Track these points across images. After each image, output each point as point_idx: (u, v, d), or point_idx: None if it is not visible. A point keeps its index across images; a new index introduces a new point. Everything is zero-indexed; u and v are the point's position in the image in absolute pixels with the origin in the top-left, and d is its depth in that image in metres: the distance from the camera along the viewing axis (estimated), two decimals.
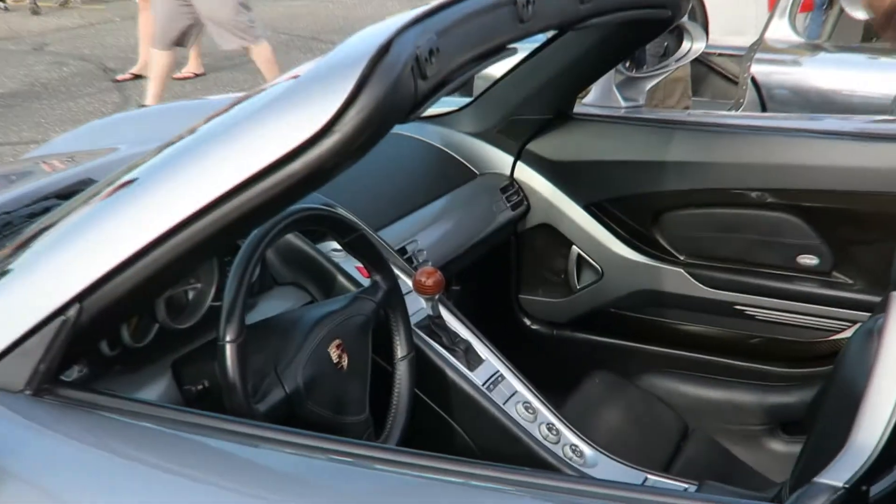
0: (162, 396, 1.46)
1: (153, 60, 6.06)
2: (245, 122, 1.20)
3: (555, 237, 2.53)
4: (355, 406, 1.58)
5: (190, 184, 1.19)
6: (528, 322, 2.63)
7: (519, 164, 2.50)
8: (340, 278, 1.81)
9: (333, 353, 1.53)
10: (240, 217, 1.18)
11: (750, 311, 2.34)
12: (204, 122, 1.28)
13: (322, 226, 1.62)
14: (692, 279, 2.37)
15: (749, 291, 2.32)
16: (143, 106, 6.04)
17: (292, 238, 1.80)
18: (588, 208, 2.46)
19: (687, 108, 3.65)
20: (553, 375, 2.40)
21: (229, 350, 1.35)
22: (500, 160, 2.51)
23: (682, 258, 2.41)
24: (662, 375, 2.44)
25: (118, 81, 7.42)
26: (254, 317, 1.62)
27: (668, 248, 2.41)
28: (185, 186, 1.19)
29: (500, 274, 2.62)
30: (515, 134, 2.49)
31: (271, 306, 1.72)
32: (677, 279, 2.38)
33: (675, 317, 2.46)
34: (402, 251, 2.08)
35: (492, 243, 2.45)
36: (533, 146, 2.48)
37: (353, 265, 1.85)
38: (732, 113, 3.86)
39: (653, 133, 2.37)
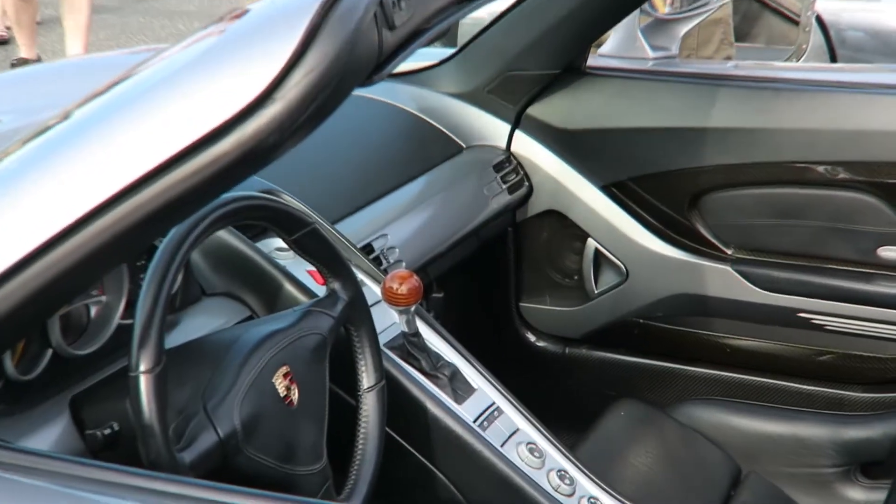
0: (59, 444, 1.45)
1: (7, 5, 6.19)
2: (158, 89, 1.19)
3: (565, 227, 2.54)
4: (309, 452, 1.58)
5: (87, 169, 1.18)
6: (531, 338, 2.64)
7: (517, 133, 2.51)
8: (287, 286, 1.81)
9: (280, 385, 1.53)
10: (155, 212, 1.17)
11: (818, 319, 2.35)
12: (106, 90, 1.28)
13: (263, 219, 1.62)
14: (743, 279, 2.38)
15: (816, 294, 2.33)
16: (22, 61, 6.09)
17: (224, 235, 1.80)
18: (607, 190, 2.47)
19: (729, 57, 3.66)
20: (565, 407, 2.41)
21: (145, 382, 1.34)
22: (493, 129, 2.51)
23: (729, 252, 2.42)
24: (706, 404, 2.46)
25: None
26: (175, 338, 1.61)
27: (712, 239, 2.42)
28: (81, 173, 1.18)
29: (495, 276, 2.62)
30: (512, 94, 2.49)
31: (198, 324, 1.72)
32: (724, 280, 2.39)
33: (721, 328, 2.47)
34: (368, 249, 2.08)
35: (483, 237, 2.46)
36: (535, 110, 2.49)
37: (303, 269, 1.85)
38: (792, 64, 3.87)
39: (690, 91, 2.38)
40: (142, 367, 1.34)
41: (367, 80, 1.21)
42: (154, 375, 1.34)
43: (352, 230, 2.05)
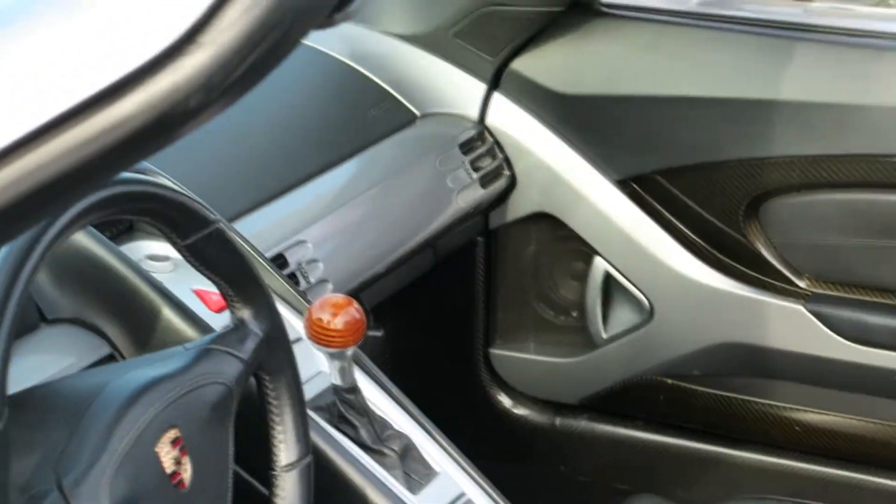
0: None
1: None
2: (24, 20, 1.20)
3: (562, 240, 2.58)
4: None
5: None
6: (506, 402, 2.68)
7: (496, 97, 2.55)
8: (167, 313, 1.82)
9: (167, 456, 1.54)
10: (12, 204, 1.18)
11: None
12: None
13: (146, 213, 1.58)
14: (821, 325, 2.41)
15: None
16: None
17: (78, 238, 1.79)
18: (626, 186, 2.50)
19: None
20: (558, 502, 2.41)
21: None
22: (461, 90, 2.55)
23: (802, 285, 2.45)
24: None
25: None
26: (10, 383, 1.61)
27: (777, 265, 2.46)
28: None
29: (457, 309, 2.66)
30: (490, 40, 2.53)
31: (34, 363, 1.73)
32: (794, 324, 2.43)
33: (787, 396, 2.51)
34: (279, 262, 2.11)
35: (442, 250, 2.50)
36: (523, 65, 2.52)
37: (187, 288, 1.87)
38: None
39: (753, 46, 2.41)
40: None
41: (328, 21, 1.22)
42: None
43: (254, 233, 2.04)
